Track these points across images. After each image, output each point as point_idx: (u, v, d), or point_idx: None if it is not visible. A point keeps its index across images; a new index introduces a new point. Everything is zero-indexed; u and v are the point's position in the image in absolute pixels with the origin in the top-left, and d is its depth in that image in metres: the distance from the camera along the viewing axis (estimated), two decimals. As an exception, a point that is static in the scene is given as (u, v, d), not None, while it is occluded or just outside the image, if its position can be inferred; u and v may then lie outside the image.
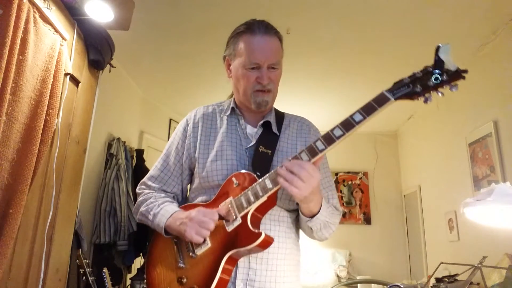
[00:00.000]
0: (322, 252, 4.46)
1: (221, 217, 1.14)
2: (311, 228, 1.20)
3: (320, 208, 1.15)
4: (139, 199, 1.32)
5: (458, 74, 0.95)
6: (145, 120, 4.00)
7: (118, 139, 3.22)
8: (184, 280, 1.14)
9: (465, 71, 0.95)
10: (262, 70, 1.21)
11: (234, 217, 1.12)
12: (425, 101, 1.00)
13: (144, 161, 3.52)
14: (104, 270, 2.25)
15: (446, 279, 2.62)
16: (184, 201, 1.35)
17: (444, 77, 0.96)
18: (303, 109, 3.93)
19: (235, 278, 1.14)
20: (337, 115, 4.73)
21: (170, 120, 4.42)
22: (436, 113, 3.70)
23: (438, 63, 0.97)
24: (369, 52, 3.06)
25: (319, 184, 1.10)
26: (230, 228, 1.12)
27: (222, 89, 3.83)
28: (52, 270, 1.66)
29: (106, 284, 2.22)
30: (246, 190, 1.12)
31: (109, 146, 3.17)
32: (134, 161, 3.45)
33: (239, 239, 1.09)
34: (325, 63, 3.24)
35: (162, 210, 1.21)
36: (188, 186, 1.36)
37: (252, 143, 1.26)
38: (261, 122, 1.29)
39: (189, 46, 3.08)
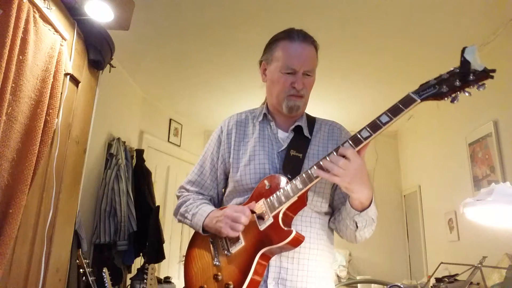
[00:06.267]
0: (322, 252, 4.45)
1: (254, 213, 1.18)
2: (356, 225, 1.16)
3: (371, 202, 1.14)
4: (179, 201, 1.39)
5: (485, 74, 0.96)
6: (145, 120, 4.00)
7: (118, 139, 3.22)
8: (220, 277, 1.18)
9: (493, 71, 0.95)
10: (297, 76, 1.26)
11: (267, 217, 1.15)
12: (452, 101, 1.02)
13: (144, 161, 3.51)
14: (104, 270, 2.25)
15: (446, 279, 2.62)
16: (219, 204, 1.41)
17: (471, 77, 0.97)
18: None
19: (267, 276, 1.17)
20: (337, 115, 4.74)
21: (170, 120, 4.41)
22: (436, 113, 3.70)
23: (464, 64, 0.97)
24: (369, 52, 3.06)
25: (366, 174, 1.10)
26: (262, 227, 1.15)
27: (222, 89, 3.83)
28: (52, 270, 1.66)
29: (106, 284, 2.22)
30: (277, 191, 1.16)
31: (109, 146, 3.17)
32: (134, 161, 3.45)
33: (271, 237, 1.13)
34: (325, 63, 3.24)
35: (200, 210, 1.28)
36: (223, 191, 1.41)
37: (283, 147, 1.29)
38: (293, 126, 1.33)
39: (189, 46, 3.08)
